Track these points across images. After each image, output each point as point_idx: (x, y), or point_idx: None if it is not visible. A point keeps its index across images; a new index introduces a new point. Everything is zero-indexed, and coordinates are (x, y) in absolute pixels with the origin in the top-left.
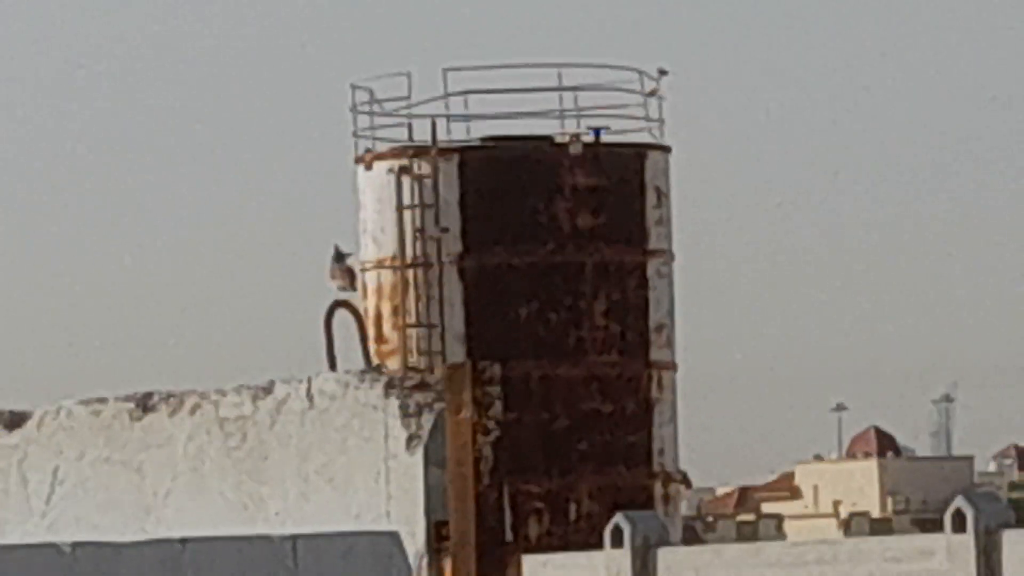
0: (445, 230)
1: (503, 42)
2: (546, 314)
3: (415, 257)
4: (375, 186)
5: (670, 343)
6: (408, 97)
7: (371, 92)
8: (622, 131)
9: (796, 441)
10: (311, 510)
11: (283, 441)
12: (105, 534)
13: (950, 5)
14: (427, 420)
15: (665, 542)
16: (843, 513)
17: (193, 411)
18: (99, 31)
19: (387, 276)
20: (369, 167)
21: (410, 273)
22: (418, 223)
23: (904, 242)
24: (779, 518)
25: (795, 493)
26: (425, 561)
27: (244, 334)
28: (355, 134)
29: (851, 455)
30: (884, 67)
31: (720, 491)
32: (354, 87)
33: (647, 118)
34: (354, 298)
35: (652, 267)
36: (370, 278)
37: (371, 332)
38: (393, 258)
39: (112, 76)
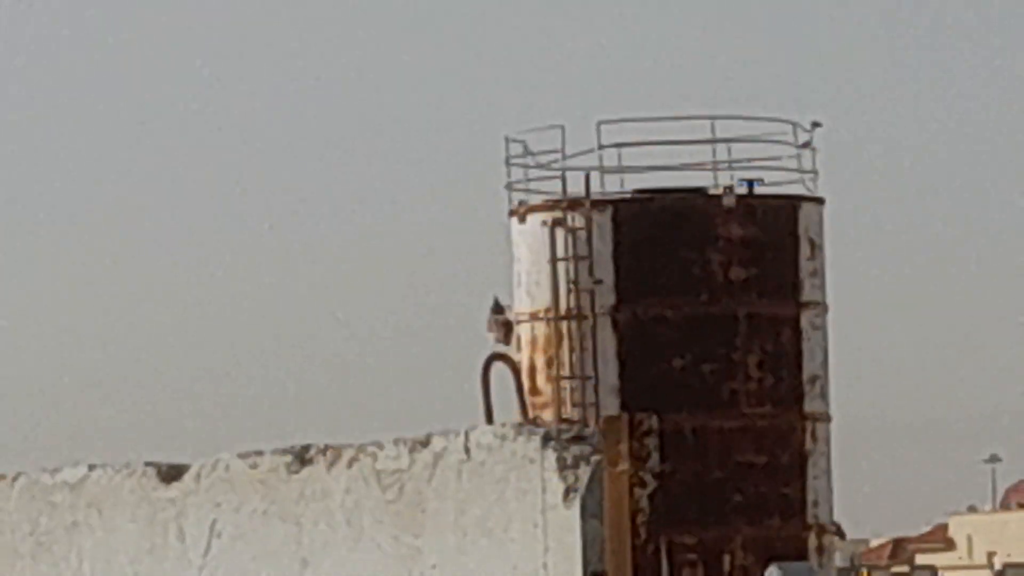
0: (599, 282)
1: (656, 95)
2: (699, 366)
3: (569, 309)
4: (529, 238)
5: (824, 394)
6: (562, 150)
7: (525, 145)
8: (775, 183)
9: (950, 492)
10: (468, 563)
11: (440, 494)
12: None
13: None
14: (584, 472)
15: None
16: (997, 564)
17: (350, 464)
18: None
19: (541, 328)
20: (523, 220)
21: (564, 325)
22: (572, 275)
23: None
24: (933, 569)
25: (949, 544)
26: None
27: (402, 387)
28: (509, 187)
29: (1005, 506)
30: None
31: (874, 542)
32: (509, 140)
33: (800, 170)
34: (510, 350)
35: (806, 318)
36: (524, 330)
37: (526, 384)
38: (547, 310)
39: (274, 119)
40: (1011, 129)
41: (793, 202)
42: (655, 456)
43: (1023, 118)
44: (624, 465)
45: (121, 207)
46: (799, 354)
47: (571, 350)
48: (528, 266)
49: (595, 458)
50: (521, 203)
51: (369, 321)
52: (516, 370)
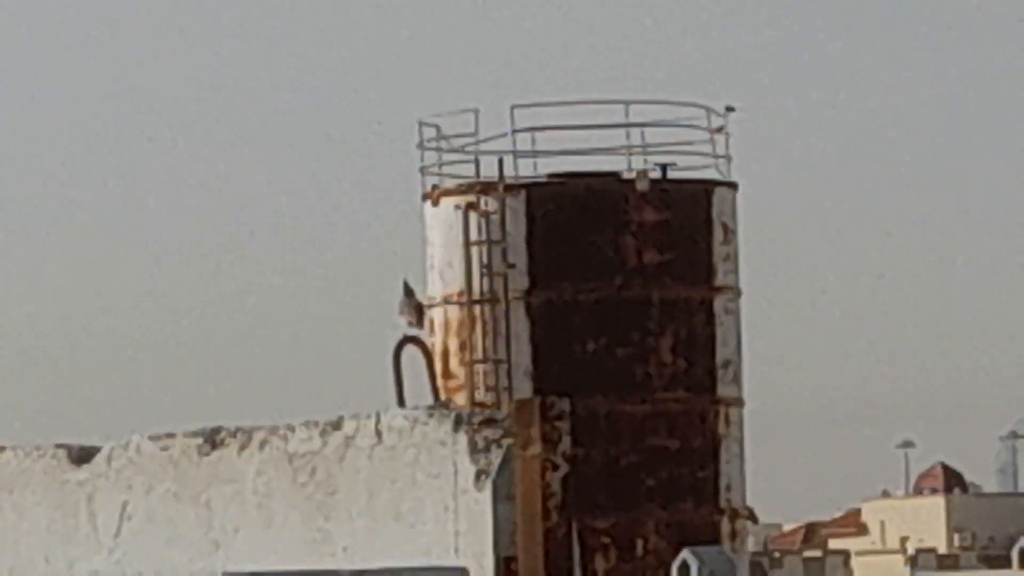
0: (512, 266)
1: (570, 79)
2: (613, 350)
3: (482, 293)
4: (442, 222)
5: (737, 379)
6: (475, 133)
7: (438, 129)
8: (689, 167)
9: (863, 477)
10: (379, 545)
11: (351, 477)
12: (174, 569)
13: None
14: (495, 456)
15: None
16: (910, 549)
17: (262, 446)
18: (176, 63)
19: (454, 312)
20: (436, 203)
21: (477, 309)
22: (485, 259)
23: (971, 279)
24: (846, 554)
25: (862, 529)
26: None
27: (312, 370)
28: (422, 170)
29: (918, 491)
30: (957, 104)
31: (787, 527)
32: (422, 124)
33: (714, 154)
34: (422, 334)
35: (719, 303)
36: (437, 314)
37: (438, 368)
38: (460, 294)
39: (183, 110)
40: (926, 111)
41: (707, 187)
42: (567, 440)
43: (937, 100)
44: (536, 449)
45: (14, 185)
46: (712, 339)
47: (484, 334)
48: (441, 250)
49: (507, 441)
50: (434, 187)
51: (281, 304)
52: (428, 353)
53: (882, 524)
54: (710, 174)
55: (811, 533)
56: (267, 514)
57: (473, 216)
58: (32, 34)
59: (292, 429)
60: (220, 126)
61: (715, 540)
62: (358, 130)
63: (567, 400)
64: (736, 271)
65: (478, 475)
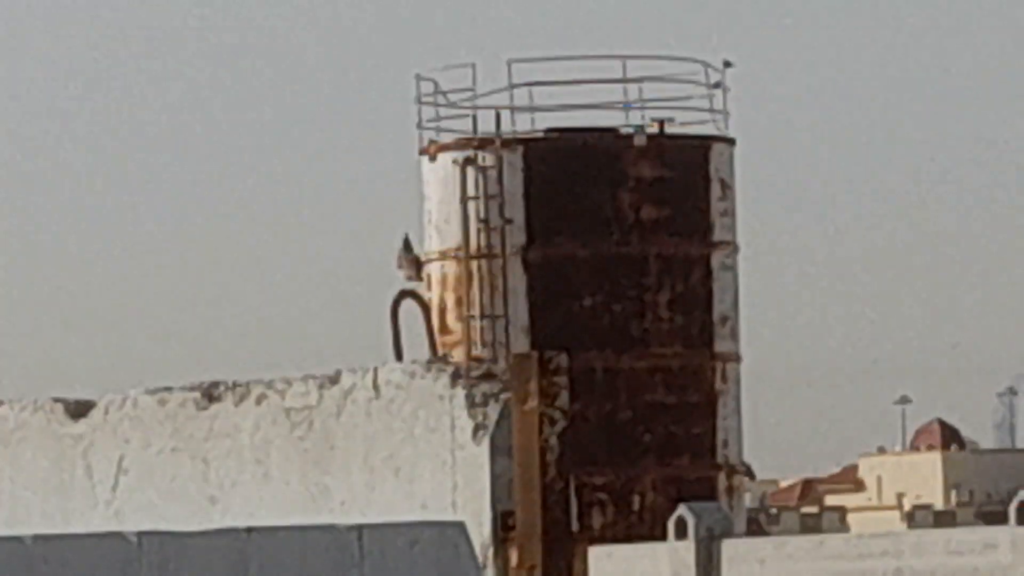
0: (509, 221)
1: (568, 34)
2: (610, 305)
3: (479, 248)
4: (439, 177)
5: (734, 335)
6: (473, 89)
7: (436, 84)
8: (687, 123)
9: (860, 434)
10: (377, 500)
11: (349, 431)
12: (170, 523)
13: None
14: (493, 410)
15: (729, 534)
16: (907, 505)
17: (259, 401)
18: (167, 20)
19: (451, 267)
20: (434, 158)
21: (474, 264)
22: (482, 214)
23: (969, 234)
24: (843, 510)
25: (859, 485)
26: (491, 551)
27: (310, 324)
28: (420, 125)
29: (915, 448)
30: (956, 56)
31: (784, 483)
32: (419, 78)
33: (712, 110)
34: (420, 288)
35: (716, 259)
36: (434, 269)
37: (436, 323)
38: (457, 249)
39: (175, 63)
40: (923, 67)
41: (704, 142)
42: (565, 395)
43: (934, 56)
44: (533, 403)
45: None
46: (709, 294)
47: (481, 289)
48: (438, 205)
49: (504, 396)
50: (432, 142)
51: (280, 258)
52: (426, 307)
53: (879, 480)
54: (708, 129)
55: (808, 489)
56: (264, 468)
57: (470, 171)
58: None
59: (289, 383)
60: (220, 78)
61: (712, 496)
62: (355, 85)
63: (565, 355)
64: (734, 227)
65: (476, 430)
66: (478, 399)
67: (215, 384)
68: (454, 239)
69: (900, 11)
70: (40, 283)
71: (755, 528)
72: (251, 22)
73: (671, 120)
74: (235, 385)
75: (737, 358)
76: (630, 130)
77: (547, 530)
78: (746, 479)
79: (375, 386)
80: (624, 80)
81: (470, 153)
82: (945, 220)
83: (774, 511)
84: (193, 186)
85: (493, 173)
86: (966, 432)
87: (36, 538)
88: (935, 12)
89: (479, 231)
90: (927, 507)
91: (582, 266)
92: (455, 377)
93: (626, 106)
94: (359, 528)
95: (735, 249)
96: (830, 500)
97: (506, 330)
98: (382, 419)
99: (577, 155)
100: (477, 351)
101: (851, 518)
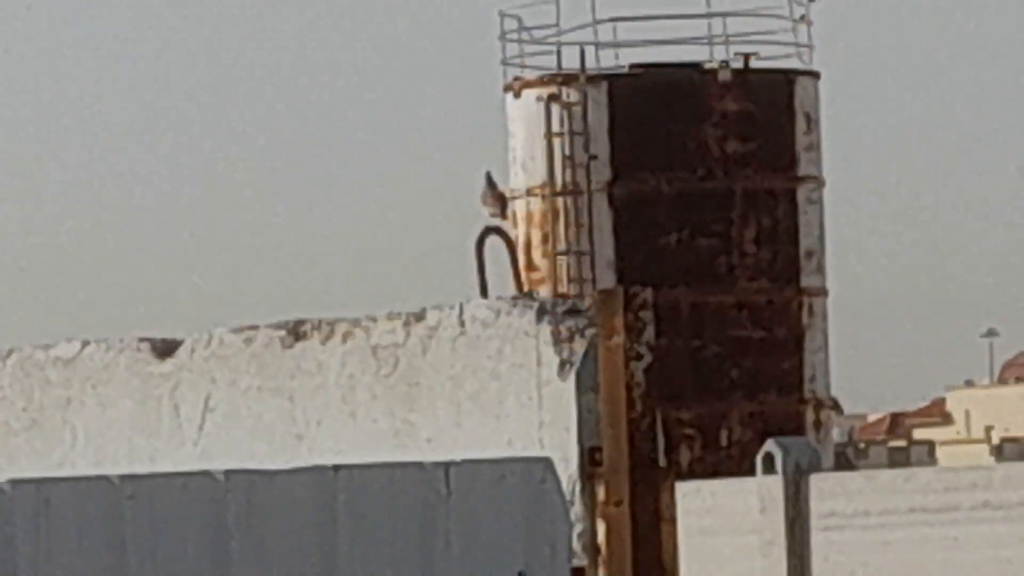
0: (594, 157)
1: None
2: (695, 241)
3: (564, 185)
4: (524, 114)
5: (820, 269)
6: (557, 25)
7: (519, 20)
8: (771, 57)
9: (947, 367)
10: (463, 437)
11: (435, 368)
12: (257, 462)
13: None
14: (579, 346)
15: (817, 468)
16: (995, 438)
17: (345, 338)
18: None
19: (536, 204)
20: (518, 95)
21: (559, 201)
22: (567, 151)
23: None
24: (931, 444)
25: (947, 419)
26: (578, 487)
27: (396, 261)
28: (504, 62)
29: (1003, 380)
30: None
31: (871, 417)
32: (503, 15)
33: (796, 44)
34: (505, 225)
35: (802, 193)
36: (519, 206)
37: (522, 260)
38: (542, 186)
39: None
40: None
41: (789, 76)
42: (650, 330)
43: None
44: (619, 338)
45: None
46: (795, 229)
47: (567, 226)
48: (523, 142)
49: (590, 331)
50: (516, 78)
51: (364, 196)
52: (511, 244)
53: (967, 413)
54: (792, 63)
55: (895, 423)
56: (351, 406)
57: (555, 108)
58: None
59: (375, 320)
60: (302, 18)
61: (799, 431)
62: (440, 23)
63: (651, 290)
64: (819, 161)
65: (562, 365)
66: (564, 335)
67: (300, 322)
68: (539, 176)
69: None
70: (125, 223)
71: (843, 462)
72: None
73: (755, 54)
74: (320, 323)
75: (824, 292)
76: (714, 65)
77: (634, 466)
78: (833, 413)
79: (460, 323)
80: (708, 15)
81: (554, 89)
82: None
83: (862, 445)
84: (278, 125)
85: (578, 110)
86: None
87: (123, 477)
88: None
89: (564, 168)
90: (1016, 440)
91: (667, 202)
92: (540, 313)
93: (711, 40)
94: (446, 465)
95: (821, 183)
96: (918, 434)
97: (592, 266)
98: (468, 356)
99: (661, 90)
100: (563, 288)
101: (939, 451)
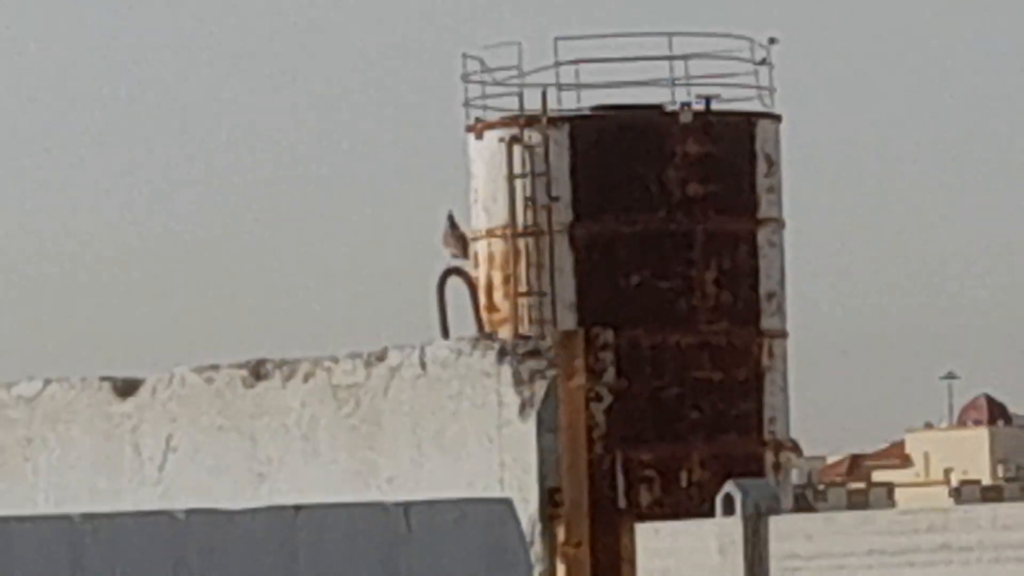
0: (556, 199)
1: (614, 11)
2: (656, 282)
3: (526, 226)
4: (486, 155)
5: (781, 311)
6: (519, 66)
7: (482, 61)
8: (732, 99)
9: (906, 409)
10: (424, 477)
11: (396, 408)
12: (218, 501)
13: None
14: (540, 387)
15: (776, 510)
16: (954, 481)
17: (306, 378)
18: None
19: (498, 245)
20: (480, 136)
21: (521, 242)
22: (529, 192)
23: (1016, 207)
24: (890, 486)
25: (906, 461)
26: (538, 528)
27: (357, 302)
28: (466, 103)
29: (962, 423)
30: (1000, 36)
31: (831, 459)
32: (465, 56)
33: (757, 86)
34: (467, 265)
35: (763, 235)
36: (481, 247)
37: (483, 301)
38: (504, 227)
39: (224, 45)
40: (968, 42)
41: (750, 118)
42: (611, 371)
43: (981, 33)
44: (580, 380)
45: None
46: (756, 270)
47: (528, 266)
48: (485, 183)
49: (551, 372)
50: (478, 120)
51: (326, 236)
52: (472, 284)
53: (926, 456)
54: (754, 106)
55: (855, 465)
56: (312, 446)
57: (517, 149)
58: None
59: (336, 361)
60: (266, 62)
61: (759, 472)
62: (402, 64)
63: (611, 331)
64: (780, 203)
65: (522, 406)
66: (525, 376)
67: (262, 362)
68: (501, 217)
69: None
70: (86, 262)
71: (802, 504)
72: (298, 2)
73: (717, 97)
74: (282, 363)
75: (784, 334)
76: (676, 107)
77: (594, 506)
78: (793, 455)
79: (422, 363)
80: (670, 57)
81: (516, 131)
82: (991, 194)
83: (821, 487)
84: (239, 164)
85: (539, 151)
86: (1013, 407)
87: (85, 516)
88: None
89: (526, 209)
90: (974, 482)
91: (628, 243)
92: (501, 354)
93: (672, 83)
94: (406, 505)
95: (781, 225)
96: (877, 476)
97: (553, 307)
98: (429, 396)
99: (623, 132)
100: (524, 329)
101: (898, 494)
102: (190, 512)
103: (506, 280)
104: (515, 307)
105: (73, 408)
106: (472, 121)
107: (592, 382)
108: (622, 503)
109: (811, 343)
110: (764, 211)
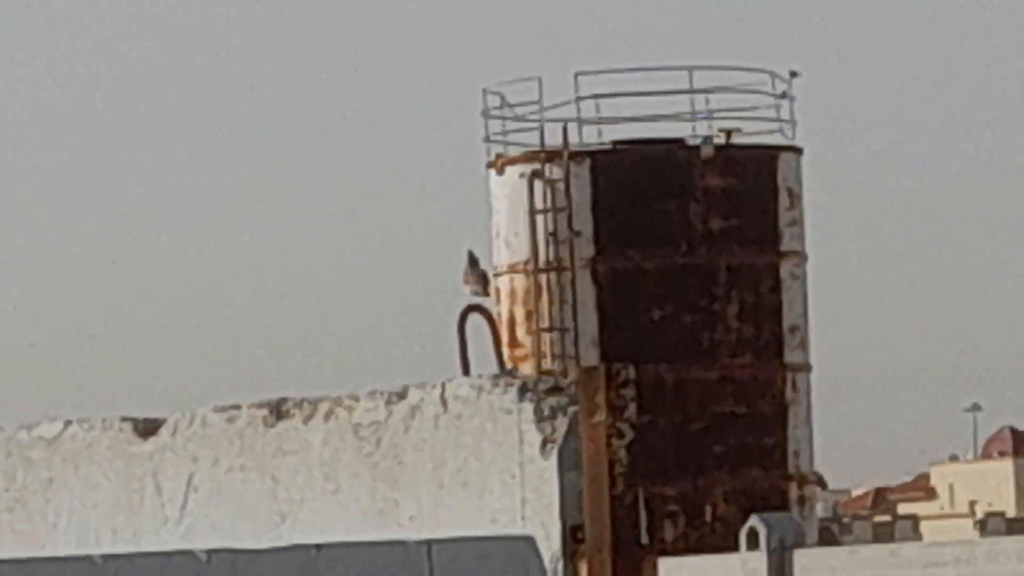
0: (578, 234)
1: (634, 45)
2: (679, 317)
3: (548, 261)
4: (507, 191)
5: (804, 345)
6: (540, 101)
7: (503, 97)
8: (754, 133)
9: (931, 442)
10: (446, 515)
11: (417, 446)
12: (240, 541)
13: None
14: (561, 424)
15: (801, 544)
16: (979, 513)
17: (327, 417)
18: (232, 31)
19: (520, 280)
20: (501, 172)
21: (543, 277)
22: (550, 227)
23: None
24: (915, 519)
25: (931, 494)
26: (560, 565)
27: (378, 340)
28: (487, 139)
29: (987, 455)
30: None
31: (855, 492)
32: (486, 92)
33: (779, 120)
34: (487, 303)
35: (785, 269)
36: (503, 283)
37: (505, 336)
38: (526, 263)
39: (241, 76)
40: (991, 77)
41: (771, 152)
42: (633, 407)
43: (1005, 67)
44: (601, 416)
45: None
46: (779, 304)
47: (550, 302)
48: (506, 218)
49: (572, 409)
50: (499, 155)
51: (346, 274)
52: (492, 321)
53: (951, 488)
54: (775, 139)
55: (880, 498)
56: (333, 485)
57: (538, 184)
58: None
59: (357, 399)
60: (286, 92)
61: (783, 506)
62: (423, 99)
63: (632, 367)
64: (802, 236)
65: (544, 443)
66: (546, 413)
67: (283, 401)
68: (523, 252)
69: (968, 17)
70: (107, 303)
71: (827, 537)
72: (320, 32)
73: (738, 130)
74: (303, 402)
75: (807, 368)
76: (697, 141)
77: (617, 543)
78: (818, 489)
79: (443, 401)
80: (691, 91)
81: (537, 166)
82: (1014, 226)
83: (846, 520)
84: (259, 202)
85: (561, 186)
86: None
87: (106, 557)
88: (1009, 18)
89: (547, 244)
90: (999, 514)
91: (651, 278)
92: (522, 391)
93: (693, 117)
94: (428, 543)
95: (804, 258)
96: (902, 509)
97: (575, 343)
98: (450, 434)
99: (644, 167)
100: (547, 364)
101: (923, 526)
102: (212, 552)
103: (528, 315)
104: (537, 343)
105: (94, 449)
106: (493, 157)
107: (614, 418)
108: (644, 539)
109: (835, 376)
110: (786, 244)
